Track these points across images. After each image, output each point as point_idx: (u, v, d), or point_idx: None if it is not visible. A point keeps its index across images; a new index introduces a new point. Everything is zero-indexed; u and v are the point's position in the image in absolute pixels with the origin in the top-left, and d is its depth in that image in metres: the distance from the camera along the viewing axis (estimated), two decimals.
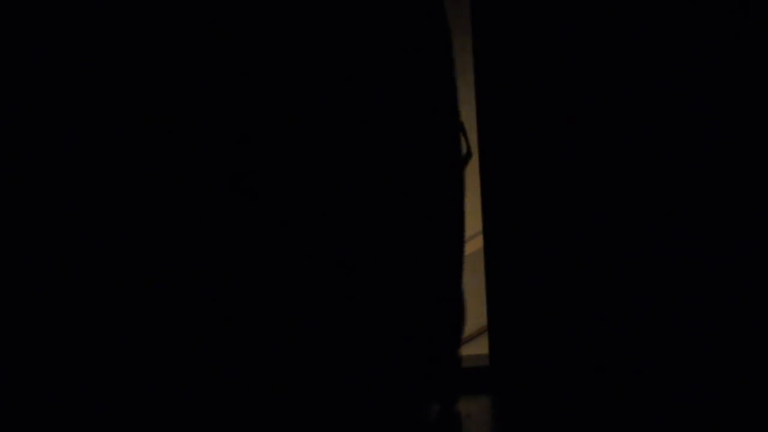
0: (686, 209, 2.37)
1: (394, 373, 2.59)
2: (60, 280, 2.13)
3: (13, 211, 2.12)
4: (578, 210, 2.48)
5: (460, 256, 2.71)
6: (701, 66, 2.36)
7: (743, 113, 2.32)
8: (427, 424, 2.07)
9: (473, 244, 3.54)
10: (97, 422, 2.03)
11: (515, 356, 2.52)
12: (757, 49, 2.30)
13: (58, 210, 2.14)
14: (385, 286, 2.66)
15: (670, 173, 2.38)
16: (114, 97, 2.25)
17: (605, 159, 2.44)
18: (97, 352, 2.11)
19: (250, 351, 2.31)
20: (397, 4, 2.52)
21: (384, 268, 2.63)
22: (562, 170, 2.49)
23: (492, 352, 2.63)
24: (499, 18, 2.62)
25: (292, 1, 2.45)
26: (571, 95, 2.50)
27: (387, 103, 2.49)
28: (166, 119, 2.25)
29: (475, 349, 3.29)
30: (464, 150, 2.61)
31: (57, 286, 2.12)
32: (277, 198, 2.68)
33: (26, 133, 2.16)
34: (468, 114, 3.03)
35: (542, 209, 2.52)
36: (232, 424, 2.09)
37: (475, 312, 2.97)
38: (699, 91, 2.38)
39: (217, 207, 2.31)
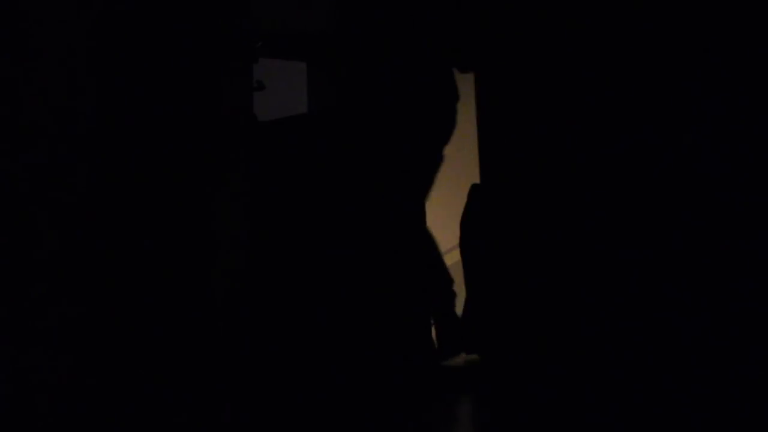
0: (671, 210, 2.38)
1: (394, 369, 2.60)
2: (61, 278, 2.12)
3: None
4: (574, 212, 2.48)
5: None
6: (700, 66, 2.37)
7: (742, 113, 2.33)
8: (429, 422, 2.08)
9: (451, 257, 3.56)
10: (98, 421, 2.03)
11: (508, 356, 2.53)
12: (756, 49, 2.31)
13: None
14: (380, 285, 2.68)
15: (660, 175, 2.39)
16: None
17: (601, 162, 2.45)
18: (99, 351, 2.11)
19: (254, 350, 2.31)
20: None
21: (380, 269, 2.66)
22: (559, 173, 2.50)
23: (489, 352, 2.64)
24: (498, 18, 2.63)
25: None
26: (570, 96, 2.51)
27: None
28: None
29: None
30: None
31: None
32: (282, 201, 2.70)
33: None
34: (468, 114, 3.05)
35: (538, 211, 2.53)
36: (234, 422, 2.09)
37: None
38: (697, 91, 2.38)
39: (225, 208, 2.31)
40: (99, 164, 2.09)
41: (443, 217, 3.14)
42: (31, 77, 2.01)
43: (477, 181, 2.75)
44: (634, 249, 2.39)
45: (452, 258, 3.43)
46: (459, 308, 2.85)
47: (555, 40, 2.53)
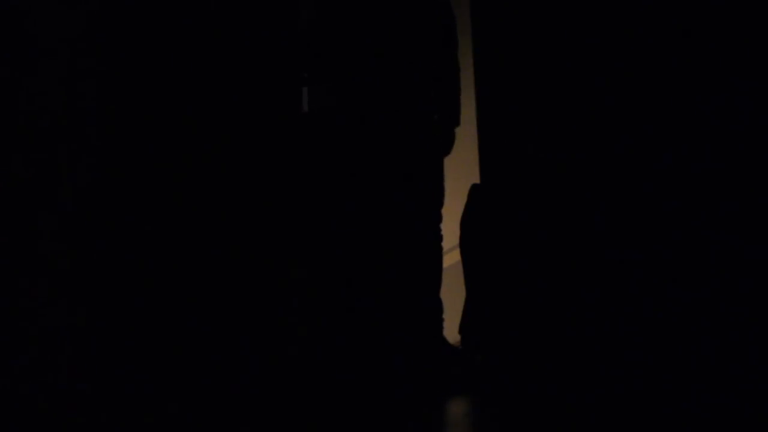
0: (662, 210, 2.38)
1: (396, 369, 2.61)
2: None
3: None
4: (574, 212, 2.48)
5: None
6: (700, 66, 2.37)
7: (742, 113, 2.33)
8: (428, 423, 2.08)
9: (451, 257, 3.54)
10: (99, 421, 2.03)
11: (508, 356, 2.53)
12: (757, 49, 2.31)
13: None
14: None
15: (658, 175, 2.39)
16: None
17: (601, 162, 2.45)
18: (102, 350, 2.11)
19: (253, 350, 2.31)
20: None
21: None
22: (559, 172, 2.50)
23: (489, 352, 2.64)
24: (499, 19, 2.63)
25: None
26: (570, 96, 2.51)
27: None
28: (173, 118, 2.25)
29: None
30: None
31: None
32: (286, 200, 2.70)
33: None
34: (468, 114, 3.04)
35: (538, 210, 2.53)
36: (234, 423, 2.09)
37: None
38: (697, 91, 2.38)
39: (223, 208, 2.31)
40: (99, 164, 2.09)
41: (443, 217, 3.13)
42: (31, 77, 2.01)
43: (477, 181, 2.75)
44: (634, 249, 2.39)
45: (452, 258, 3.43)
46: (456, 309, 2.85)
47: (555, 39, 2.52)
